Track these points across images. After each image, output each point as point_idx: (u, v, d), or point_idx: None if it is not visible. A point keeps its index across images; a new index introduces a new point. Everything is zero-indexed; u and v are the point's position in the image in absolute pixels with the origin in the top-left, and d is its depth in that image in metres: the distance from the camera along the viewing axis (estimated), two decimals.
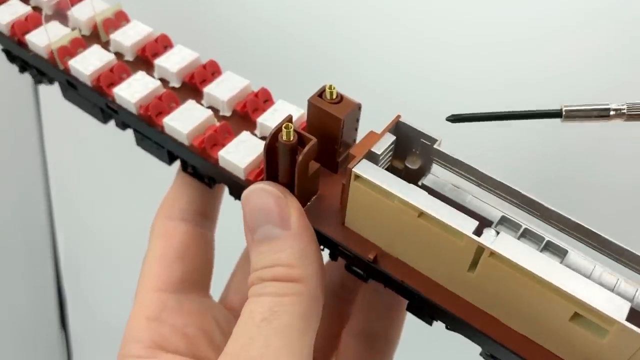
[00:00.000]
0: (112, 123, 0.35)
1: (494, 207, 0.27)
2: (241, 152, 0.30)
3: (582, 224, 0.24)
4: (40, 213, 0.79)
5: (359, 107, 0.28)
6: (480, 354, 0.27)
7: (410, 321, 0.33)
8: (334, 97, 0.28)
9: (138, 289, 0.29)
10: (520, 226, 0.26)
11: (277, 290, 0.25)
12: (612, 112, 0.23)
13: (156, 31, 0.36)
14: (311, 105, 0.28)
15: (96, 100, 0.34)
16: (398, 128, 0.27)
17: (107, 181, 0.62)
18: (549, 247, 0.26)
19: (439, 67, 0.44)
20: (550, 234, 0.26)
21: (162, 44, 0.35)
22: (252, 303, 0.25)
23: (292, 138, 0.26)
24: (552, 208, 0.24)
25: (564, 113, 0.23)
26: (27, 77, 0.36)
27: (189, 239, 0.31)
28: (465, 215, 0.24)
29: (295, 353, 0.24)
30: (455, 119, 0.26)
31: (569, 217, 0.24)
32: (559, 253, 0.25)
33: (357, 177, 0.25)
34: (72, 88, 0.35)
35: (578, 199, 0.42)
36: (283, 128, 0.25)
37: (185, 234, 0.31)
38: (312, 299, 0.25)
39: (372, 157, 0.26)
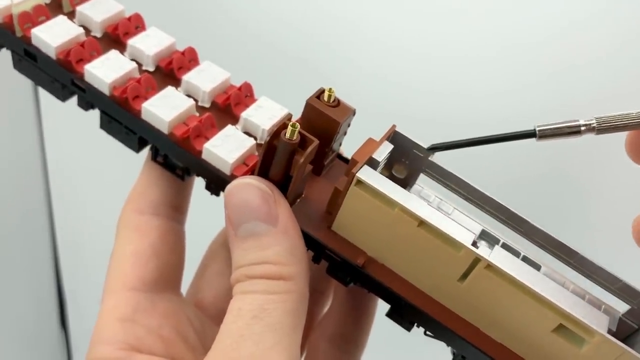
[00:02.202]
0: (72, 100, 0.32)
1: (474, 220, 0.29)
2: (228, 147, 0.29)
3: (565, 243, 0.26)
4: (40, 213, 0.77)
5: (353, 112, 0.28)
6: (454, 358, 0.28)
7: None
8: (332, 100, 0.28)
9: (107, 287, 0.27)
10: (499, 240, 0.28)
11: (267, 288, 0.24)
12: (582, 128, 0.23)
13: (126, 9, 0.34)
14: (309, 107, 0.27)
15: (59, 75, 0.31)
16: (393, 137, 0.28)
17: (107, 181, 0.59)
18: (524, 262, 0.27)
19: (419, 70, 0.46)
20: (524, 248, 0.28)
21: (134, 24, 0.33)
22: (239, 300, 0.24)
23: (295, 137, 0.25)
24: (538, 226, 0.26)
25: (537, 133, 0.24)
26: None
27: (163, 235, 0.29)
28: (464, 227, 0.25)
29: (287, 350, 0.24)
30: (433, 148, 0.27)
31: (554, 235, 0.26)
32: (534, 267, 0.27)
33: (359, 182, 0.25)
34: (30, 59, 0.32)
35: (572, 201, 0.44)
36: (289, 126, 0.25)
37: (159, 229, 0.29)
38: (300, 297, 0.25)
39: (373, 164, 0.26)
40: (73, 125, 0.59)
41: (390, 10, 0.44)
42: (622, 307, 0.27)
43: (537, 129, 0.24)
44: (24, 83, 0.33)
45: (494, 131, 0.25)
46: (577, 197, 0.45)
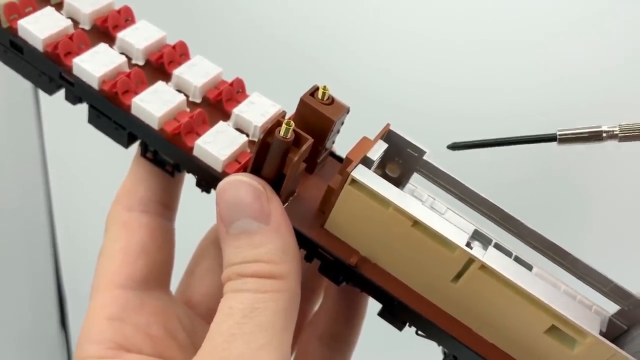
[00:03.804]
0: (59, 94, 0.32)
1: (466, 219, 0.29)
2: (219, 144, 0.28)
3: (557, 244, 0.26)
4: (40, 213, 0.76)
5: (347, 110, 0.28)
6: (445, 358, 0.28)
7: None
8: (326, 98, 0.27)
9: (95, 286, 0.27)
10: (491, 240, 0.28)
11: (258, 287, 0.24)
12: (604, 134, 0.23)
13: (116, 1, 0.33)
14: (303, 104, 0.27)
15: (47, 68, 0.30)
16: (388, 136, 0.28)
17: (107, 180, 0.59)
18: (516, 262, 0.27)
19: (416, 66, 0.46)
20: (515, 248, 0.28)
21: (124, 17, 0.33)
22: (230, 299, 0.24)
23: (289, 135, 0.25)
24: (532, 227, 0.26)
25: (558, 137, 0.24)
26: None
27: (152, 232, 0.29)
28: (458, 228, 0.24)
29: (277, 349, 0.23)
30: (454, 146, 0.27)
31: (547, 237, 0.26)
32: (525, 268, 0.27)
33: (353, 181, 0.25)
34: (16, 51, 0.31)
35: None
36: (284, 124, 0.25)
37: (148, 226, 0.28)
38: (292, 296, 0.25)
39: (367, 163, 0.26)
40: (73, 123, 0.58)
41: (386, 4, 0.44)
42: (611, 307, 0.27)
43: (558, 133, 0.24)
44: (25, 83, 0.32)
45: (498, 127, 0.25)
46: (569, 199, 0.46)
